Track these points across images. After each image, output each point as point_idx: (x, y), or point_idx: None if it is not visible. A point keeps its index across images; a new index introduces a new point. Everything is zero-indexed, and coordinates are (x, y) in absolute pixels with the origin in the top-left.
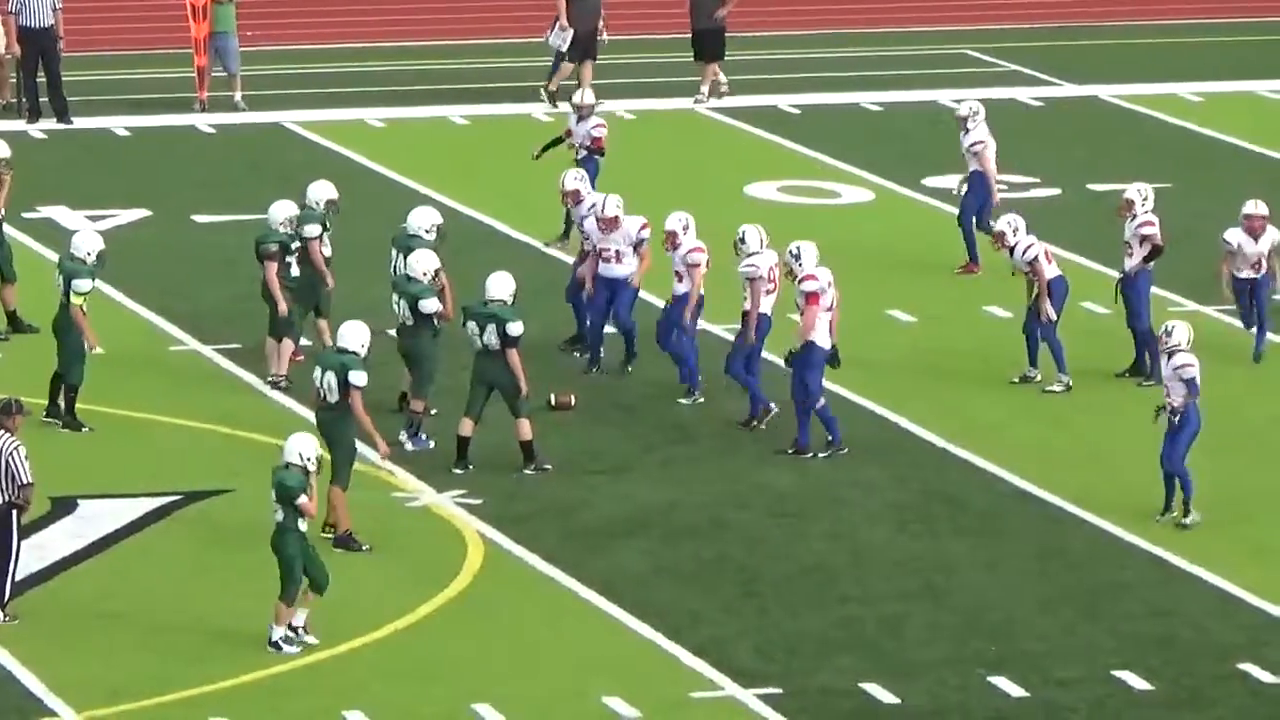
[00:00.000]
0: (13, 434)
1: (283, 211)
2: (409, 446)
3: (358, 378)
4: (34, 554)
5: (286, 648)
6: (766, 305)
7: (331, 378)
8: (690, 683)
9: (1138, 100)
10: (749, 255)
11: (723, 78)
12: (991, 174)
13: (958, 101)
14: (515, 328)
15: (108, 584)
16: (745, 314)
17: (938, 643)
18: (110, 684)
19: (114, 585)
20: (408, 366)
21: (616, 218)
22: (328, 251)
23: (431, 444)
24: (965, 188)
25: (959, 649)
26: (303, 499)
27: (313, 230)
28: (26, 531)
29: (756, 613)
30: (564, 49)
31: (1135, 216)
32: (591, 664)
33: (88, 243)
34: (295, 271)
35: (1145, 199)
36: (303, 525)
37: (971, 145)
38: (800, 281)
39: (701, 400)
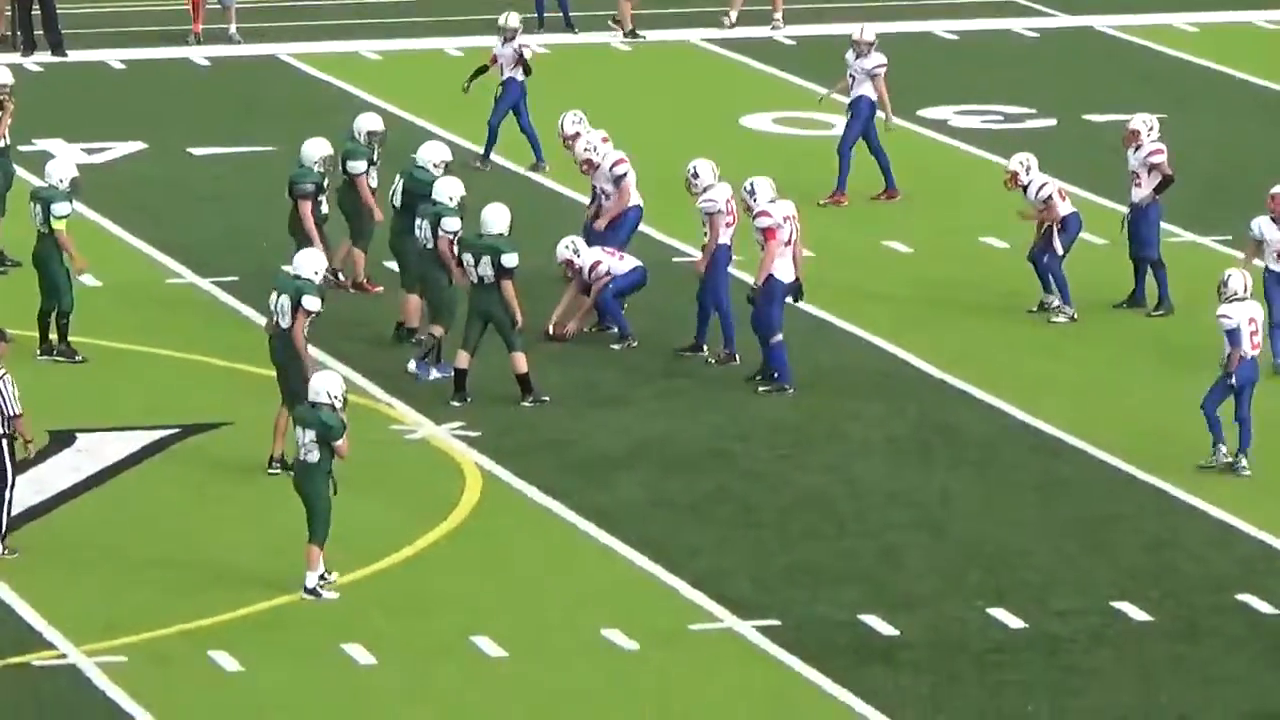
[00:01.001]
0: None
1: (317, 150)
2: (433, 374)
3: (311, 302)
4: (31, 487)
5: (325, 594)
6: (726, 237)
7: (286, 301)
8: (688, 614)
9: (1133, 31)
10: (705, 190)
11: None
12: (887, 99)
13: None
14: (510, 259)
15: (106, 517)
16: (704, 248)
17: (936, 574)
18: (109, 617)
19: (112, 518)
20: (422, 294)
21: (589, 159)
22: (374, 183)
23: (433, 375)
24: (851, 113)
25: (957, 581)
26: (341, 440)
27: (358, 166)
28: (24, 466)
29: (754, 544)
30: None
31: (1141, 146)
32: (589, 596)
33: (61, 169)
34: (325, 210)
35: (1151, 129)
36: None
37: (874, 68)
38: (755, 217)
39: (635, 345)
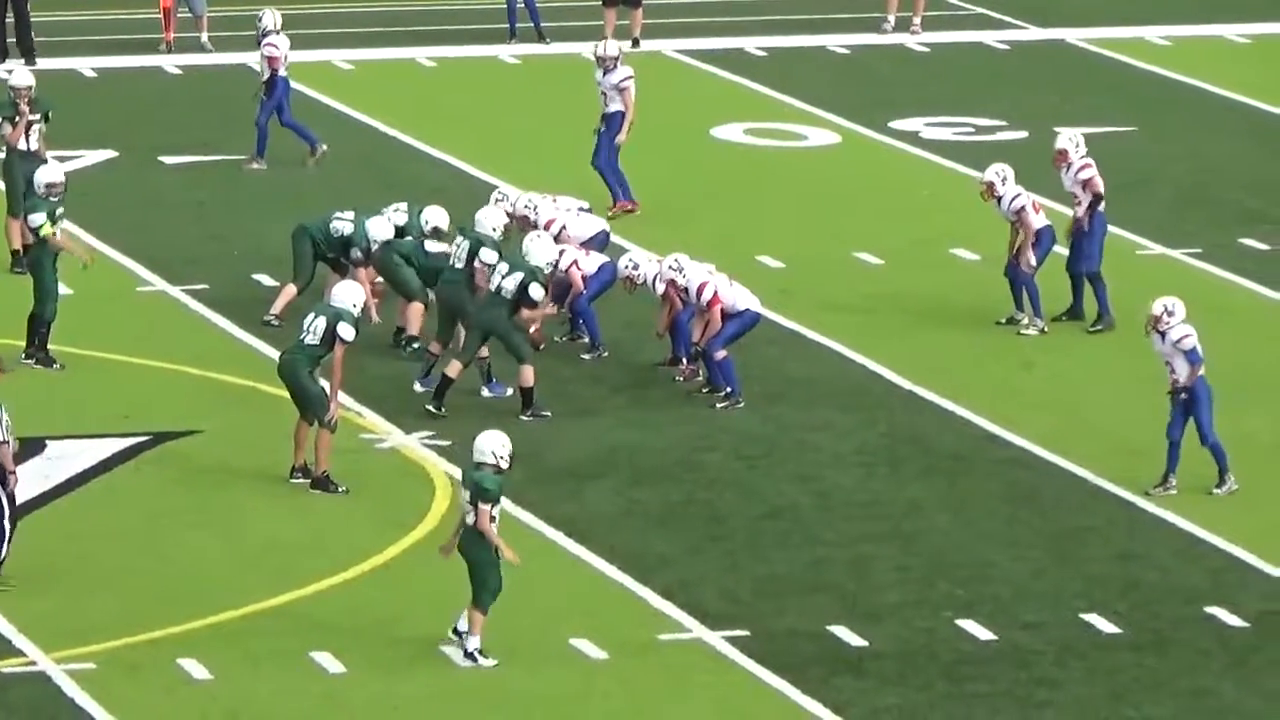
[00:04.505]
0: None
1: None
2: (485, 393)
3: (346, 331)
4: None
5: (482, 660)
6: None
7: (321, 323)
8: (658, 625)
9: (1105, 44)
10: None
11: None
12: (632, 113)
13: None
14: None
15: (75, 525)
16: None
17: (905, 585)
18: (78, 625)
19: (82, 526)
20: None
21: (526, 217)
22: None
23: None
24: (604, 127)
25: (926, 592)
26: (486, 506)
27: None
28: None
29: (724, 555)
30: None
31: (1072, 165)
32: (559, 606)
33: (45, 176)
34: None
35: (1078, 145)
36: None
37: (620, 82)
38: (698, 294)
39: (605, 355)
